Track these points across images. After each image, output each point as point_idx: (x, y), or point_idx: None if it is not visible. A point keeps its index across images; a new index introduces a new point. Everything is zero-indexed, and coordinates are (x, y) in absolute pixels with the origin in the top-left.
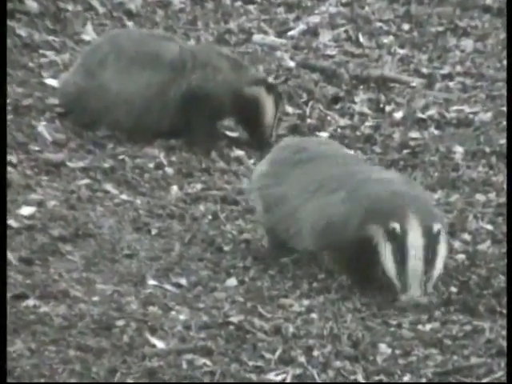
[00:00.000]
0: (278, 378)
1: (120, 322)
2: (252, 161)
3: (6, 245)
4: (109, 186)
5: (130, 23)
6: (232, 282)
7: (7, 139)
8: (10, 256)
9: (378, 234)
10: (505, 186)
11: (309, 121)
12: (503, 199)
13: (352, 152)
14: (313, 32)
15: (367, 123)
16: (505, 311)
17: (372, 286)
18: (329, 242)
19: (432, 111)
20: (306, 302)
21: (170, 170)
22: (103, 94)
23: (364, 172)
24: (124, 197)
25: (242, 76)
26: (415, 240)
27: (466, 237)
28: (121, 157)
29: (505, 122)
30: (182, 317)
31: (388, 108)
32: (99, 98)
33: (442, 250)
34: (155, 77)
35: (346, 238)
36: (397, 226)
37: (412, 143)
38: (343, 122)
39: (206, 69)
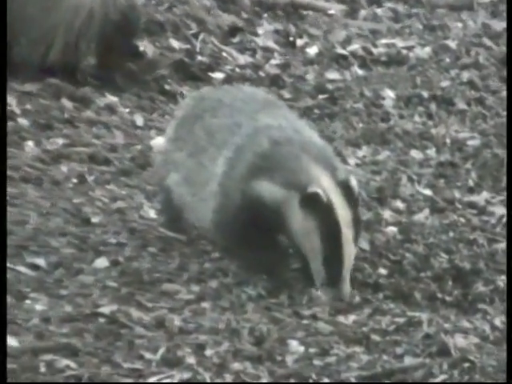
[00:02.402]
0: None
1: None
2: (127, 109)
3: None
4: None
5: None
6: (102, 262)
7: None
8: None
9: (287, 199)
10: (448, 140)
11: (199, 58)
12: (445, 156)
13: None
14: None
15: (273, 61)
16: (448, 298)
17: (276, 270)
18: (222, 216)
19: (355, 46)
20: (195, 288)
21: (24, 122)
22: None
23: (257, 120)
24: None
25: None
26: (344, 211)
27: (399, 204)
28: None
29: (448, 59)
30: (39, 307)
31: (299, 42)
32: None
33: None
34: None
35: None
36: (319, 190)
37: (330, 86)
38: (243, 59)
39: None
